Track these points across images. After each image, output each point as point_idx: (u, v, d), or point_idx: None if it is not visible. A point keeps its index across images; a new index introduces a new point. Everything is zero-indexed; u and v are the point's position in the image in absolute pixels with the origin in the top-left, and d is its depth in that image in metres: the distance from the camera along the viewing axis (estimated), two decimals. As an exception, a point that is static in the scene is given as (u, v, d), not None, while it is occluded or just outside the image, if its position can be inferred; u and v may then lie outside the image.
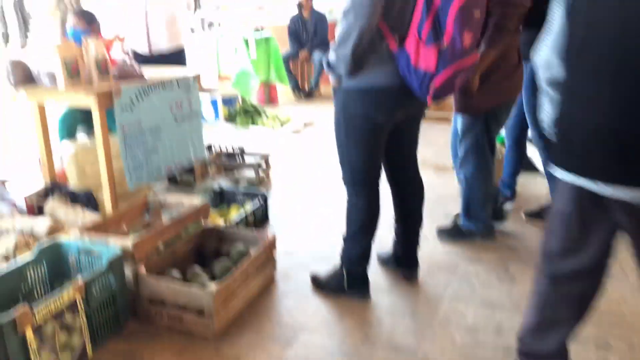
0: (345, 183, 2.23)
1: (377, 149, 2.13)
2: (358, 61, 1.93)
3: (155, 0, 3.85)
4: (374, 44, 1.93)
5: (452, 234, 2.88)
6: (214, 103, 5.70)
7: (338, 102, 2.09)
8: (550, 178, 2.95)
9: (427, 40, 1.85)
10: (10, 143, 5.03)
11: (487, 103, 2.59)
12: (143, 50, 3.93)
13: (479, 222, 2.81)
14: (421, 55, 1.87)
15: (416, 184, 2.36)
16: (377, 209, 2.24)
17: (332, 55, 1.97)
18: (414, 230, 2.41)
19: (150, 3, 3.86)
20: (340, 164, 2.20)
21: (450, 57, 1.85)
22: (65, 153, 3.08)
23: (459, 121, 2.75)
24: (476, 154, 2.71)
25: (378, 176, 2.21)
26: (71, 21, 3.41)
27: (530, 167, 3.72)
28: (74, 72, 2.66)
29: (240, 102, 5.94)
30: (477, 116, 2.65)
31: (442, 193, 3.41)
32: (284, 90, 7.07)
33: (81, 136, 3.19)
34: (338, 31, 1.93)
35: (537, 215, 3.08)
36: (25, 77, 2.78)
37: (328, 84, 7.31)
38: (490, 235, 2.84)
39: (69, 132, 3.31)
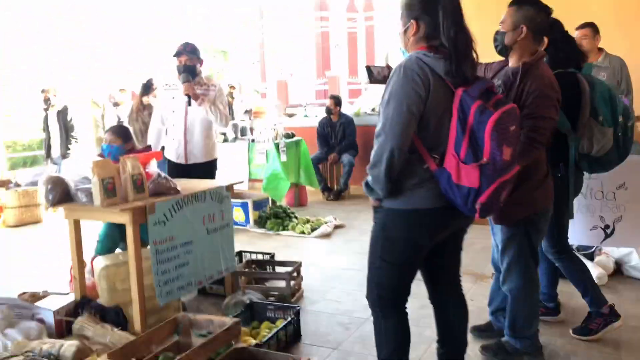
0: (370, 303, 2.14)
1: (413, 272, 2.06)
2: (395, 182, 1.91)
3: (194, 115, 3.99)
4: (413, 167, 1.91)
5: (496, 352, 2.68)
6: (245, 207, 5.73)
7: (378, 222, 2.05)
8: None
9: (466, 158, 1.84)
10: (43, 256, 5.09)
11: (520, 213, 2.51)
12: (180, 160, 4.04)
13: (526, 339, 2.63)
14: (462, 173, 1.85)
15: (459, 304, 2.25)
16: (407, 330, 2.12)
17: (369, 177, 1.96)
18: (458, 354, 2.25)
19: (190, 118, 4.00)
20: (368, 282, 2.12)
21: (492, 172, 1.83)
22: (97, 267, 3.06)
23: (498, 234, 2.66)
24: (520, 267, 2.59)
25: (406, 298, 2.12)
26: (107, 137, 3.54)
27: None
28: (110, 189, 2.71)
29: (271, 206, 5.98)
30: (515, 227, 2.56)
31: (483, 305, 3.24)
32: (313, 191, 7.12)
33: (117, 252, 3.21)
34: (372, 153, 1.94)
35: (585, 331, 2.88)
36: (63, 194, 2.83)
37: (357, 184, 7.35)
38: (538, 354, 2.64)
39: (107, 251, 3.35)
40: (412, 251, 2.01)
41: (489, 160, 1.81)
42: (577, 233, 3.28)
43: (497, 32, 2.54)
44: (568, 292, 3.32)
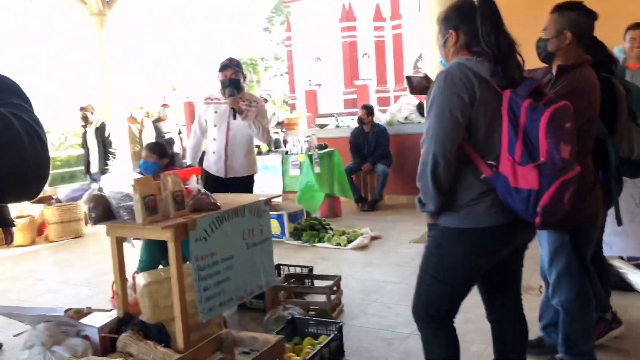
0: (416, 318, 2.07)
1: (466, 291, 1.98)
2: (450, 196, 1.85)
3: (237, 130, 4.01)
4: (469, 179, 1.85)
5: (550, 370, 2.58)
6: (280, 219, 5.72)
7: (433, 239, 1.98)
8: None
9: (522, 160, 1.76)
10: (85, 270, 5.17)
11: (566, 219, 2.41)
12: (219, 174, 4.05)
13: (581, 355, 2.51)
14: (519, 176, 1.76)
15: (518, 322, 2.16)
16: (457, 345, 2.05)
17: (420, 193, 1.91)
18: None
19: (232, 133, 4.01)
20: (416, 297, 2.05)
21: (551, 172, 1.74)
22: (139, 284, 3.08)
23: (545, 245, 2.57)
24: (569, 279, 2.49)
25: (454, 315, 2.05)
26: (143, 154, 3.58)
27: (626, 285, 3.41)
28: (151, 207, 2.71)
29: (306, 217, 5.95)
30: (562, 236, 2.47)
31: (530, 319, 3.12)
32: (347, 202, 7.07)
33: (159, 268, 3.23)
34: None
35: None
36: (105, 212, 2.86)
37: (392, 194, 7.27)
38: (595, 372, 2.53)
39: (149, 269, 3.37)
40: (469, 271, 1.93)
41: (546, 160, 1.73)
42: (632, 244, 3.14)
43: (539, 40, 2.47)
44: (622, 305, 3.19)
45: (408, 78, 2.42)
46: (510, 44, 1.86)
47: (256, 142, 4.41)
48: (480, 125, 1.83)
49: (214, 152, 4.06)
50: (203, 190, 3.02)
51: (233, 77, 3.92)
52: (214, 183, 3.96)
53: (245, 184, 4.07)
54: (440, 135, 1.80)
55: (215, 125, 4.03)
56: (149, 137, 7.33)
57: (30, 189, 0.80)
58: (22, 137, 0.75)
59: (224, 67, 3.97)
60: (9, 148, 0.73)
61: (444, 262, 1.93)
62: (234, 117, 3.90)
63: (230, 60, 4.03)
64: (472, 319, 2.44)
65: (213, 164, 4.07)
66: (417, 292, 2.04)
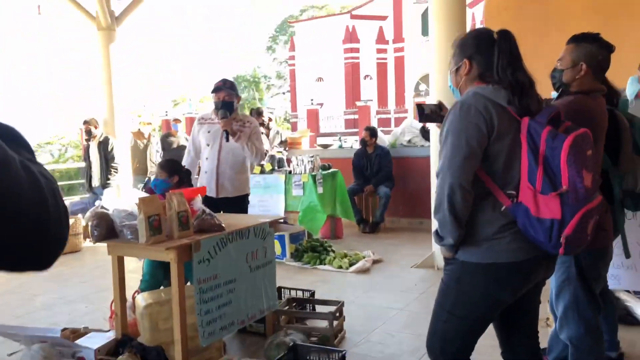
0: (431, 354, 2.00)
1: (484, 327, 1.93)
2: (470, 230, 1.80)
3: (229, 150, 3.99)
4: (488, 212, 1.80)
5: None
6: (282, 239, 5.66)
7: (452, 274, 1.91)
8: None
9: (543, 189, 1.73)
10: (82, 286, 5.09)
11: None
12: (211, 194, 4.01)
13: (593, 395, 2.45)
14: (541, 205, 1.72)
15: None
16: None
17: (438, 226, 1.87)
18: None
19: (224, 153, 3.99)
20: (431, 333, 1.98)
21: (574, 202, 1.70)
22: (139, 305, 3.01)
23: (552, 277, 2.52)
24: (577, 313, 2.44)
25: (471, 350, 1.98)
26: (155, 171, 3.55)
27: (633, 319, 3.35)
28: (155, 227, 2.67)
29: (307, 239, 5.89)
30: (569, 268, 2.43)
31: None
32: (348, 223, 7.01)
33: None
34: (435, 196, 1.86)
35: None
36: (108, 231, 2.81)
37: (393, 217, 7.22)
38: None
39: (151, 289, 3.32)
40: (489, 307, 1.88)
41: (569, 188, 1.69)
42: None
43: (554, 70, 2.46)
44: (630, 339, 3.13)
45: (419, 106, 2.38)
46: (528, 80, 1.84)
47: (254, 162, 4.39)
48: (500, 155, 1.80)
49: (206, 172, 4.05)
50: (208, 210, 2.98)
51: (226, 100, 3.92)
52: (205, 203, 3.92)
53: (237, 204, 4.03)
54: (457, 164, 1.77)
55: (208, 145, 4.03)
56: (155, 153, 7.30)
57: (48, 259, 0.70)
58: (49, 202, 0.67)
59: (217, 89, 3.97)
60: (37, 219, 0.65)
61: (464, 297, 1.88)
62: (227, 139, 3.90)
63: (224, 82, 4.03)
64: (478, 348, 2.37)
65: (205, 183, 4.05)
66: (432, 327, 1.98)
